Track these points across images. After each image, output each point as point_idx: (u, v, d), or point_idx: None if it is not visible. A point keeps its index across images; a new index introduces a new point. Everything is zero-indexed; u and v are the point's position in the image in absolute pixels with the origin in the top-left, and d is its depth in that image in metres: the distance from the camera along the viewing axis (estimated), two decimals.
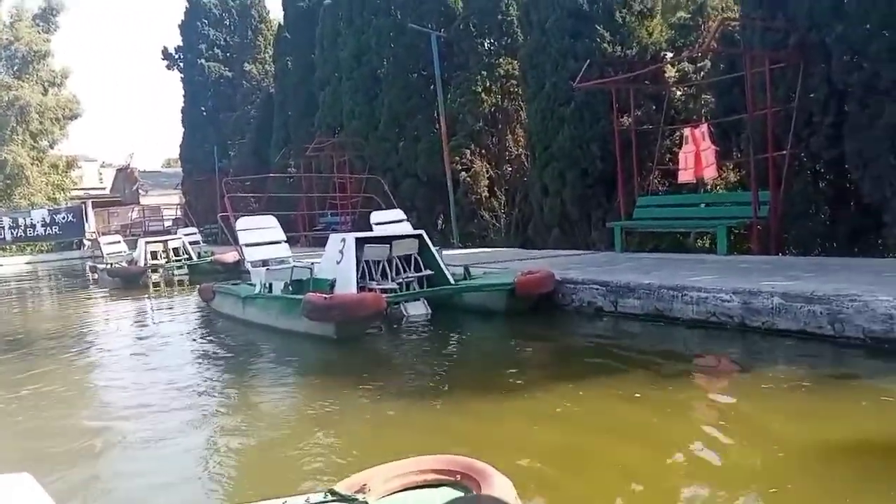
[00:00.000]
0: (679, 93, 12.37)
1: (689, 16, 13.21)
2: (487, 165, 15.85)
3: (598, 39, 12.00)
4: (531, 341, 6.49)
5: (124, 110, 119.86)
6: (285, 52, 23.97)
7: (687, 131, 10.26)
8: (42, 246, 33.92)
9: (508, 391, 4.72)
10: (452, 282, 7.94)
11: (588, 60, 11.19)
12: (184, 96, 32.00)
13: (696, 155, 9.92)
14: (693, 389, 4.76)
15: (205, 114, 31.16)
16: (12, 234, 32.85)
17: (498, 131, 15.94)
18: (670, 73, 12.64)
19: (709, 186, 10.92)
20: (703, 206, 10.13)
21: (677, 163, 10.54)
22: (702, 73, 12.08)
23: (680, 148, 10.59)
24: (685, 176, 10.18)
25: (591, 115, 12.05)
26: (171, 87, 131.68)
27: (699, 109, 12.10)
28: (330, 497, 1.86)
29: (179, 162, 35.59)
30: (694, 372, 5.15)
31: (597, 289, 7.09)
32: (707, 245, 10.66)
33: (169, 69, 33.07)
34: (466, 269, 8.33)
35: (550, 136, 12.60)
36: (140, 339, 8.94)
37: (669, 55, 12.53)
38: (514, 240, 14.40)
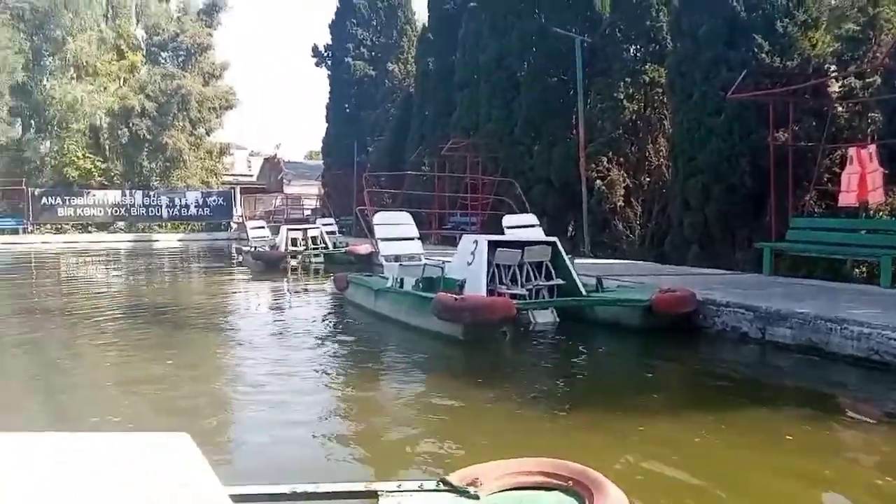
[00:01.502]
0: (842, 109, 11.43)
1: (859, 28, 12.16)
2: (625, 174, 15.37)
3: (756, 49, 11.31)
4: (667, 363, 6.19)
5: (274, 103, 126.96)
6: (427, 53, 24.42)
7: (852, 151, 9.45)
8: (194, 225, 36.56)
9: (639, 412, 4.50)
10: (584, 293, 7.74)
11: (745, 70, 10.56)
12: (329, 92, 33.39)
13: (862, 177, 9.11)
14: (853, 435, 4.33)
15: (347, 110, 32.36)
16: (169, 212, 35.66)
17: (638, 140, 15.41)
18: (834, 87, 11.71)
19: (872, 212, 10.02)
20: (863, 232, 9.30)
21: (838, 184, 9.73)
22: (870, 89, 11.10)
23: (841, 168, 9.78)
24: (847, 199, 9.38)
25: (742, 129, 11.39)
26: (318, 83, 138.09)
27: (865, 128, 11.14)
28: (442, 486, 1.89)
29: (321, 154, 37.21)
30: (853, 414, 4.69)
31: (743, 313, 6.66)
32: (865, 275, 9.78)
33: (317, 66, 34.60)
34: (599, 280, 8.09)
35: (696, 147, 12.04)
36: (278, 319, 9.39)
37: (833, 69, 11.61)
38: (648, 253, 13.87)
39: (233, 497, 0.96)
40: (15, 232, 32.57)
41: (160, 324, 8.76)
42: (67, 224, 34.15)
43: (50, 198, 33.50)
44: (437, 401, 4.89)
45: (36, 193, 33.12)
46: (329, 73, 33.58)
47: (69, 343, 7.68)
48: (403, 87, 29.26)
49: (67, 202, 33.80)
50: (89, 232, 34.10)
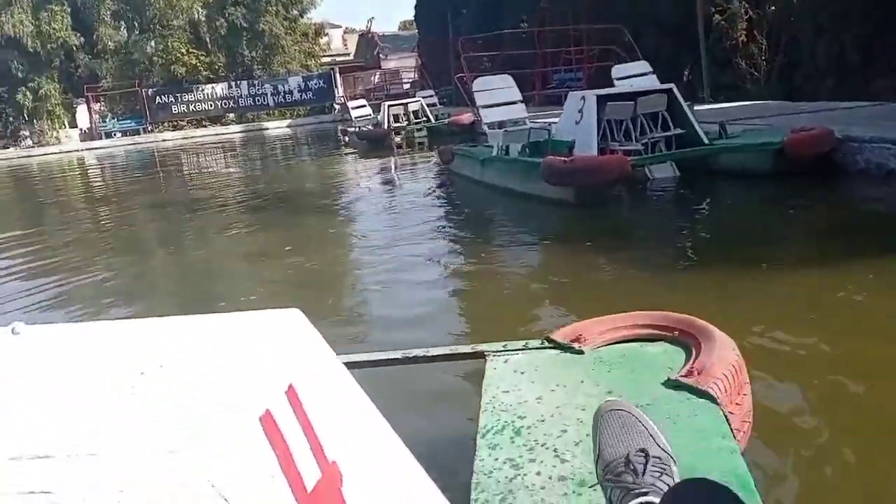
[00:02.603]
0: None
1: None
2: (746, 4, 13.82)
3: None
4: (804, 211, 5.63)
5: None
6: None
7: None
8: (299, 110, 37.07)
9: (772, 268, 4.10)
10: (706, 141, 7.13)
11: None
12: None
13: None
14: None
15: None
16: (274, 100, 36.23)
17: None
18: None
19: None
20: None
21: None
22: None
23: None
24: None
25: None
26: None
27: None
28: (546, 344, 1.92)
29: (414, 24, 36.07)
30: None
31: (889, 148, 5.91)
32: None
33: None
34: (722, 126, 7.42)
35: None
36: (386, 197, 9.43)
37: None
38: (776, 91, 12.63)
39: (347, 364, 0.98)
40: (136, 132, 34.31)
41: (279, 209, 9.05)
42: (182, 120, 35.52)
43: (163, 97, 34.74)
44: (547, 266, 4.85)
45: (150, 94, 34.40)
46: None
47: (198, 230, 8.12)
48: None
49: (179, 99, 34.97)
50: (204, 126, 35.37)
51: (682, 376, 1.61)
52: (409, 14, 37.53)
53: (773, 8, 13.69)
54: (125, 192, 14.39)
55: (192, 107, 35.30)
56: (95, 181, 18.66)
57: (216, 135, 32.97)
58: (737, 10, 13.73)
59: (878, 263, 3.88)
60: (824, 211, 5.60)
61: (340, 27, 49.35)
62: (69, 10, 33.37)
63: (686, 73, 15.17)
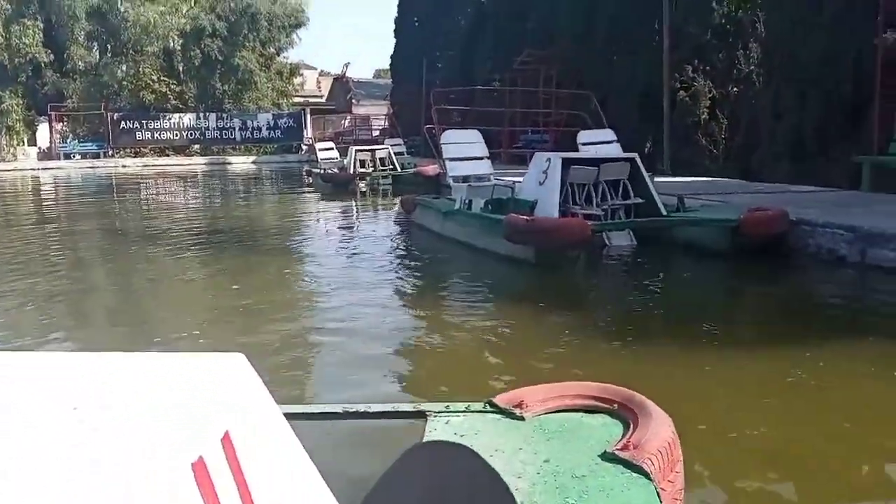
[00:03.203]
0: None
1: None
2: (710, 84, 14.31)
3: None
4: (755, 290, 5.69)
5: (342, 20, 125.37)
6: None
7: None
8: (266, 147, 36.93)
9: (721, 345, 4.10)
10: (665, 213, 7.22)
11: None
12: (398, 6, 32.42)
13: None
14: None
15: (417, 24, 31.40)
16: (242, 134, 36.08)
17: (727, 45, 14.25)
18: None
19: None
20: None
21: None
22: None
23: None
24: None
25: (846, 26, 10.24)
26: None
27: None
28: (489, 408, 1.93)
29: (390, 73, 36.55)
30: None
31: (841, 234, 6.04)
32: None
33: None
34: (681, 199, 7.54)
35: (793, 46, 10.93)
36: (344, 242, 9.30)
37: None
38: (733, 170, 12.99)
39: (287, 415, 0.97)
40: (97, 156, 33.68)
41: (233, 244, 8.85)
42: (145, 147, 35.03)
43: (128, 122, 34.30)
44: (498, 325, 4.77)
45: (115, 118, 33.94)
46: None
47: (147, 261, 7.85)
48: None
49: (145, 126, 34.55)
50: (167, 155, 34.93)
51: (617, 450, 1.64)
52: (385, 63, 38.05)
53: (735, 89, 14.19)
54: (77, 215, 13.98)
55: (157, 135, 34.89)
56: (48, 202, 18.15)
57: (179, 165, 32.55)
58: (701, 88, 14.20)
59: (825, 350, 3.88)
60: (775, 293, 5.65)
61: (316, 69, 49.73)
62: (42, 25, 32.98)
63: (648, 144, 15.56)
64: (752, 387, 3.48)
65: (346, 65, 45.55)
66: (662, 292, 5.98)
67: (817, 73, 10.54)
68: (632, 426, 1.75)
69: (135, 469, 0.65)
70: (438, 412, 1.95)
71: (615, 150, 8.74)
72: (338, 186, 16.02)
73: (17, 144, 33.69)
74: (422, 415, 1.96)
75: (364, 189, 16.10)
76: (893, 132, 9.19)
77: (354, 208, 13.85)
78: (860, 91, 10.02)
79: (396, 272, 6.91)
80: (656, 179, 8.29)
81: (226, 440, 0.76)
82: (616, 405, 1.87)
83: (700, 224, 6.96)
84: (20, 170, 30.33)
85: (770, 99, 11.81)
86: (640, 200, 7.32)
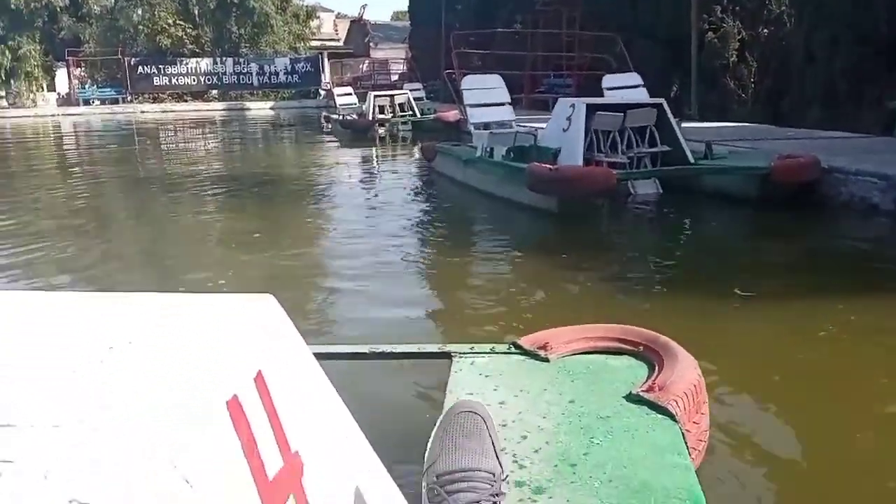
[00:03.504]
0: None
1: None
2: (740, 25, 13.83)
3: None
4: (785, 239, 5.57)
5: None
6: None
7: None
8: (283, 93, 36.58)
9: (749, 296, 4.00)
10: (692, 161, 7.05)
11: None
12: None
13: None
14: None
15: None
16: (259, 80, 35.73)
17: None
18: None
19: None
20: None
21: None
22: None
23: None
24: None
25: None
26: None
27: None
28: (513, 349, 1.95)
29: (408, 15, 35.77)
30: None
31: (874, 182, 5.88)
32: None
33: None
34: (708, 146, 7.33)
35: None
36: (364, 190, 9.24)
37: None
38: (761, 115, 12.66)
39: (317, 355, 0.97)
40: (115, 101, 33.59)
41: (253, 194, 8.85)
42: (164, 93, 34.85)
43: (145, 67, 34.04)
44: (522, 273, 4.74)
45: (132, 63, 33.68)
46: None
47: (169, 208, 7.89)
48: None
49: (162, 71, 34.29)
50: (185, 101, 34.74)
51: (642, 391, 1.63)
52: (403, 5, 37.21)
53: (766, 30, 13.72)
54: (98, 162, 14.03)
55: (174, 80, 34.64)
56: (69, 149, 18.19)
57: (197, 111, 32.40)
58: (730, 29, 13.75)
59: (858, 303, 3.79)
60: (806, 243, 5.53)
61: (333, 12, 48.80)
62: None
63: (674, 88, 15.17)
64: (782, 338, 3.42)
65: (364, 7, 44.69)
66: (689, 242, 5.89)
67: (851, 15, 10.12)
68: (657, 368, 1.75)
69: (170, 407, 0.65)
70: (463, 353, 1.96)
71: (641, 95, 8.51)
72: (357, 133, 15.88)
73: (37, 90, 33.69)
74: (447, 355, 1.97)
75: (383, 135, 15.94)
76: None
77: (374, 155, 13.73)
78: (894, 34, 9.64)
79: (417, 221, 6.87)
80: (683, 125, 8.09)
81: (258, 379, 0.76)
82: (641, 347, 1.87)
83: (730, 172, 6.79)
84: (40, 116, 30.40)
85: (801, 41, 11.41)
86: (666, 148, 7.15)
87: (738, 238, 5.99)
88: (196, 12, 34.74)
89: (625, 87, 8.77)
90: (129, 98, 33.80)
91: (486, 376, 1.82)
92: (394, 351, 2.08)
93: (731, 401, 2.66)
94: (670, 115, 7.30)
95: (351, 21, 46.09)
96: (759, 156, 6.98)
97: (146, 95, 34.48)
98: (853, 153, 7.11)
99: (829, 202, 6.29)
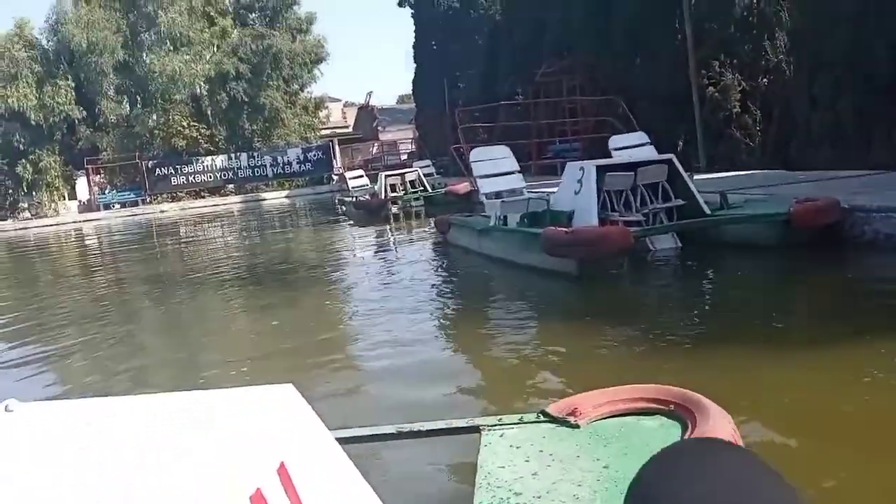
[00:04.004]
0: None
1: None
2: (739, 77, 14.02)
3: None
4: (814, 283, 5.44)
5: (362, 50, 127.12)
6: None
7: None
8: (297, 181, 37.36)
9: (778, 345, 3.88)
10: (708, 212, 7.00)
11: None
12: (415, 32, 32.69)
13: None
14: None
15: (434, 47, 31.58)
16: (273, 171, 36.58)
17: (752, 37, 13.97)
18: None
19: None
20: None
21: None
22: None
23: None
24: None
25: (878, 9, 9.95)
26: (403, 24, 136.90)
27: None
28: (542, 418, 1.91)
29: (412, 97, 36.78)
30: None
31: None
32: None
33: (400, 6, 33.86)
34: (724, 196, 7.30)
35: (822, 36, 10.68)
36: (383, 267, 9.26)
37: None
38: (771, 161, 12.66)
39: (340, 440, 0.97)
40: (135, 204, 34.45)
41: (275, 280, 8.91)
42: (181, 192, 35.73)
43: (162, 168, 35.06)
44: (546, 339, 4.66)
45: (149, 166, 34.72)
46: (412, 11, 32.80)
47: (192, 304, 7.91)
48: (489, 16, 28.11)
49: (179, 171, 35.27)
50: (202, 197, 35.56)
51: None
52: (408, 88, 38.32)
53: (765, 80, 13.88)
54: (121, 263, 14.22)
55: (191, 178, 35.58)
56: (92, 253, 18.53)
57: (215, 206, 33.10)
58: (730, 82, 13.92)
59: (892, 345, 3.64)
60: (837, 285, 5.40)
61: (340, 101, 50.36)
62: (72, 84, 34.01)
63: (679, 143, 15.28)
64: (820, 386, 3.28)
65: (370, 93, 46.07)
66: (714, 293, 5.78)
67: (851, 57, 10.22)
68: (690, 426, 1.70)
69: (197, 502, 0.65)
70: (492, 426, 1.93)
71: (649, 153, 8.56)
72: (371, 213, 16.05)
73: (58, 199, 34.65)
74: (475, 429, 1.94)
75: (397, 213, 16.09)
76: None
77: (389, 233, 13.83)
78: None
79: (437, 295, 6.82)
80: (695, 177, 8.08)
81: (281, 470, 0.77)
82: (672, 406, 1.81)
83: (748, 221, 6.71)
84: (62, 224, 31.16)
85: (803, 86, 11.50)
86: (681, 202, 7.12)
87: (763, 286, 5.85)
88: (209, 113, 35.97)
89: (632, 146, 8.82)
90: (147, 199, 34.65)
91: (517, 447, 1.78)
92: (421, 429, 2.04)
93: (771, 455, 2.49)
94: (681, 170, 7.30)
95: (358, 108, 47.49)
96: (776, 202, 6.92)
97: (164, 195, 35.35)
98: (871, 191, 7.03)
99: (853, 242, 6.16)
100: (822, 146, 11.21)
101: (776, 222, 6.35)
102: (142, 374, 4.98)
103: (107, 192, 35.19)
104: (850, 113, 10.50)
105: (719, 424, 1.64)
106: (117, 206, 34.53)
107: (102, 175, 35.56)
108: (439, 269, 8.57)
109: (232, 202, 34.05)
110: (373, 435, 2.07)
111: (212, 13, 37.32)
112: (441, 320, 5.67)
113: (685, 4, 13.65)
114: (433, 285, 7.43)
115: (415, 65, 33.12)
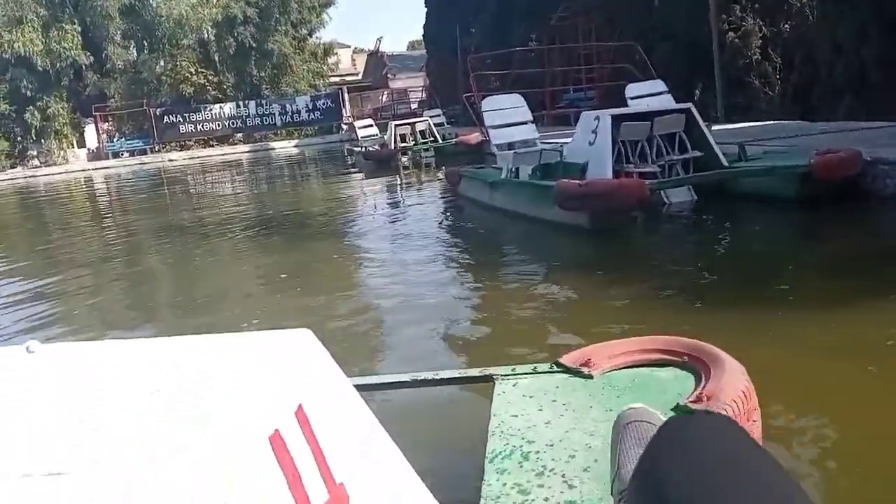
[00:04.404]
0: None
1: None
2: (761, 22, 13.55)
3: None
4: (833, 240, 5.29)
5: None
6: None
7: None
8: (306, 130, 37.04)
9: (798, 301, 3.75)
10: (726, 164, 6.80)
11: None
12: None
13: None
14: None
15: None
16: (282, 119, 36.25)
17: None
18: None
19: None
20: None
21: None
22: None
23: None
24: None
25: None
26: None
27: None
28: (555, 368, 1.92)
29: (423, 43, 36.04)
30: None
31: None
32: None
33: None
34: (742, 147, 7.08)
35: None
36: (393, 220, 9.14)
37: None
38: (791, 111, 12.33)
39: (357, 387, 0.98)
40: (144, 152, 34.31)
41: (284, 231, 8.85)
42: (190, 140, 35.51)
43: (171, 116, 34.77)
44: (559, 293, 4.55)
45: (157, 113, 34.43)
46: None
47: (203, 252, 7.91)
48: None
49: (187, 118, 34.98)
50: (211, 146, 35.36)
51: (691, 402, 1.60)
52: (418, 34, 37.51)
53: (788, 25, 13.42)
54: (131, 212, 14.19)
55: (199, 126, 35.31)
56: (102, 201, 18.52)
57: (223, 154, 32.93)
58: (751, 27, 13.47)
59: None
60: (855, 240, 5.23)
61: (349, 47, 49.45)
62: (79, 28, 33.52)
63: (697, 92, 14.89)
64: (825, 337, 3.20)
65: (380, 39, 45.26)
66: (730, 248, 5.63)
67: (877, 3, 9.82)
68: (703, 377, 1.71)
69: (215, 445, 0.66)
70: (506, 375, 1.94)
71: (667, 102, 8.29)
72: (380, 163, 15.88)
73: (67, 147, 34.56)
74: (489, 379, 1.96)
75: (407, 164, 15.91)
76: None
77: (399, 184, 13.67)
78: None
79: (448, 248, 6.73)
80: (713, 128, 7.85)
81: (299, 413, 0.77)
82: (686, 357, 1.82)
83: (766, 173, 6.51)
84: (72, 171, 31.15)
85: (827, 33, 11.10)
86: (698, 153, 6.92)
87: (780, 241, 5.70)
88: (217, 59, 35.45)
89: (649, 94, 8.56)
90: (156, 148, 34.50)
91: (531, 397, 1.80)
92: (436, 377, 2.07)
93: (783, 408, 2.49)
94: (699, 120, 7.09)
95: (368, 54, 46.66)
96: (796, 154, 6.70)
97: (173, 144, 35.17)
98: (895, 142, 6.80)
99: (875, 196, 5.98)
100: (844, 96, 10.88)
101: (796, 174, 6.15)
102: (155, 321, 5.04)
103: (115, 139, 35.04)
104: (876, 61, 10.14)
105: (734, 376, 1.64)
106: (126, 154, 34.43)
107: (111, 122, 35.36)
108: (450, 222, 8.46)
109: (241, 151, 33.84)
110: (389, 383, 2.09)
111: None
112: (453, 272, 5.59)
113: None
114: (444, 238, 7.34)
115: (426, 9, 32.31)
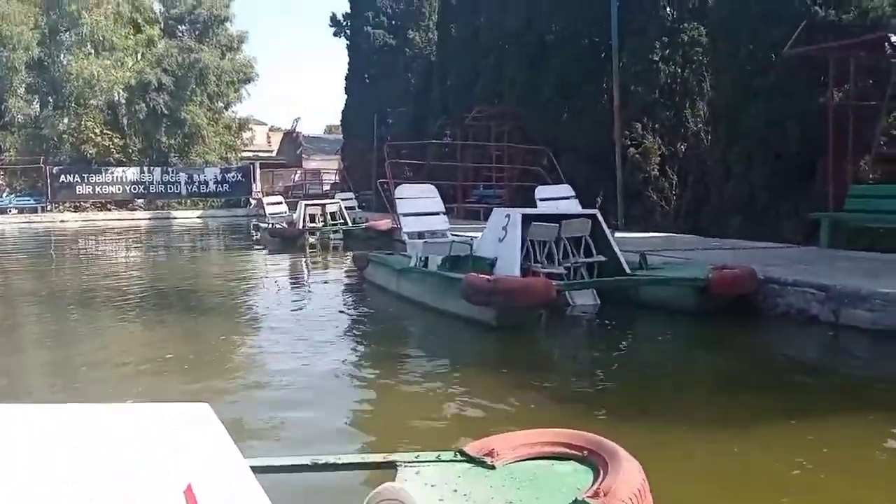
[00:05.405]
0: None
1: None
2: (660, 141, 14.50)
3: (809, 1, 10.42)
4: (728, 352, 5.46)
5: (292, 76, 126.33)
6: (450, 19, 23.49)
7: None
8: (213, 202, 36.18)
9: (695, 416, 3.82)
10: (629, 271, 7.01)
11: (804, 21, 9.67)
12: (348, 63, 32.55)
13: None
14: None
15: (367, 81, 31.51)
16: (188, 189, 35.31)
17: (675, 104, 14.52)
18: None
19: None
20: None
21: None
22: None
23: None
24: None
25: (791, 90, 10.51)
26: (337, 55, 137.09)
27: None
28: (459, 457, 1.92)
29: (340, 128, 36.49)
30: None
31: (812, 293, 5.90)
32: None
33: (336, 36, 33.77)
34: (643, 256, 7.35)
35: (739, 110, 11.18)
36: (294, 302, 8.84)
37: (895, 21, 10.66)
38: (684, 225, 13.06)
39: (254, 468, 0.93)
40: (34, 210, 32.42)
41: (180, 306, 8.38)
42: (86, 202, 33.91)
43: (68, 175, 33.19)
44: (462, 385, 4.50)
45: (54, 171, 32.82)
46: (348, 42, 32.73)
47: (84, 324, 7.25)
48: (424, 56, 28.37)
49: (86, 180, 33.49)
50: (108, 210, 33.86)
51: (588, 496, 1.61)
52: (336, 119, 37.97)
53: (684, 146, 14.40)
54: (10, 274, 13.14)
55: (98, 188, 33.84)
56: None
57: (120, 220, 31.53)
58: (651, 145, 14.36)
59: (798, 422, 3.63)
60: (744, 355, 5.41)
61: (266, 125, 49.44)
62: None
63: (598, 200, 15.57)
64: (724, 445, 3.25)
65: (297, 120, 45.62)
66: (630, 354, 5.71)
67: (763, 133, 10.71)
68: (602, 473, 1.74)
69: None
70: (409, 462, 1.93)
71: (574, 206, 8.59)
72: (286, 242, 15.56)
73: None
74: (391, 465, 1.94)
75: (314, 244, 15.66)
76: (847, 189, 9.29)
77: (304, 264, 13.38)
78: (807, 150, 10.22)
79: (351, 331, 6.55)
80: (615, 234, 8.13)
81: (188, 493, 0.74)
82: (586, 452, 1.86)
83: (668, 284, 6.74)
84: None
85: (718, 157, 11.95)
86: (603, 258, 7.12)
87: (677, 351, 5.83)
88: (125, 122, 34.52)
89: (558, 198, 8.84)
90: (48, 207, 32.68)
91: (433, 486, 1.80)
92: (336, 462, 2.03)
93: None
94: (604, 226, 7.33)
95: (284, 133, 46.76)
96: (695, 267, 6.99)
97: (67, 204, 33.44)
98: (784, 263, 7.22)
99: (766, 312, 6.27)
100: (733, 215, 11.62)
101: (695, 287, 6.40)
102: (24, 397, 4.45)
103: (4, 195, 32.99)
104: (762, 186, 10.95)
105: (630, 474, 1.68)
106: (14, 210, 32.38)
107: (3, 176, 33.38)
108: (354, 306, 8.26)
109: (139, 217, 32.53)
110: (287, 465, 2.03)
111: (139, 20, 36.10)
112: (355, 360, 5.40)
113: (613, 66, 14.04)
114: (347, 321, 7.14)
115: (346, 95, 32.91)
